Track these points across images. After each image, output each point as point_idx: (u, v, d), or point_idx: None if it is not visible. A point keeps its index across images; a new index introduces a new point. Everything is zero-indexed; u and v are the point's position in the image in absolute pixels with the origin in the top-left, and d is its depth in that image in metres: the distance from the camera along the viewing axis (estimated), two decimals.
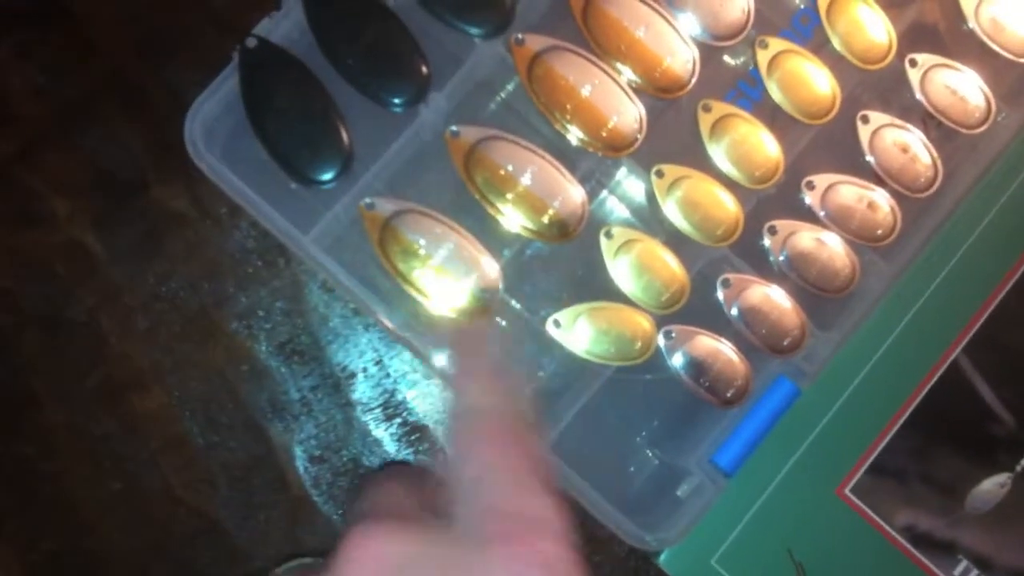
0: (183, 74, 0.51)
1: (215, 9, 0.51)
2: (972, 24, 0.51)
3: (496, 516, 0.28)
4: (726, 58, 0.50)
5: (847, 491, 0.53)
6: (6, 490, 0.52)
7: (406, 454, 0.52)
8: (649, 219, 0.50)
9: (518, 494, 0.28)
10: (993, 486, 0.54)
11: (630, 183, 0.50)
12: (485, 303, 0.47)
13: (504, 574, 0.26)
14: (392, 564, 0.27)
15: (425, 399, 0.51)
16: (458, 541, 0.28)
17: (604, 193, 0.50)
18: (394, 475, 0.34)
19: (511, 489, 0.28)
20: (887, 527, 0.53)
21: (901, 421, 0.53)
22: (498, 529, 0.27)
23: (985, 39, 0.51)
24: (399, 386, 0.51)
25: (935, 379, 0.54)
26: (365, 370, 0.51)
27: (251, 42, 0.45)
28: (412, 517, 0.30)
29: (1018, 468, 0.54)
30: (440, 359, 0.46)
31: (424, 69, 0.46)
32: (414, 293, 0.46)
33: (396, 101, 0.46)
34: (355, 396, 0.51)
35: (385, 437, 0.51)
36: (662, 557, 0.52)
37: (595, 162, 0.49)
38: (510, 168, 0.47)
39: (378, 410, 0.51)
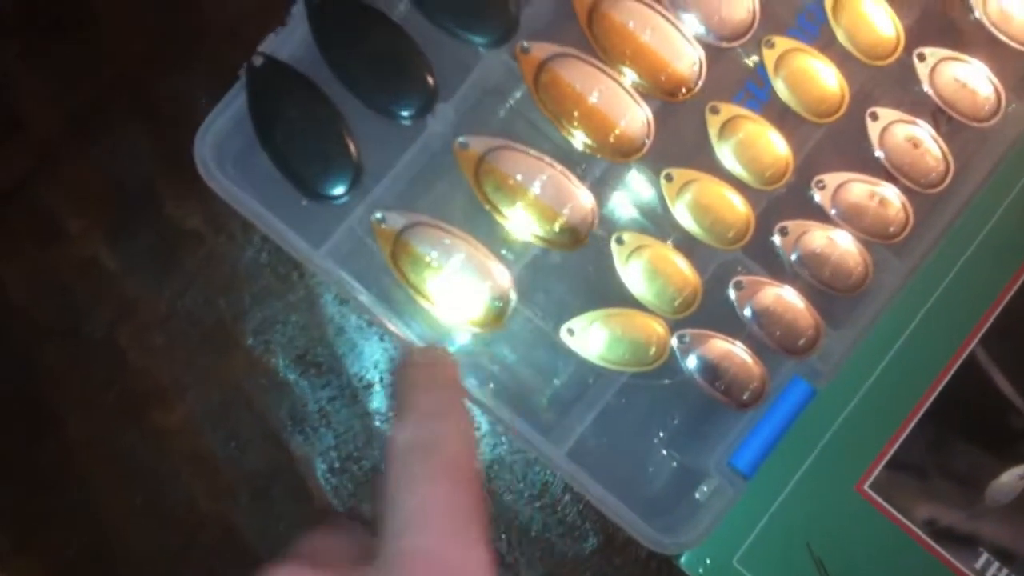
0: (194, 86, 0.51)
1: (224, 21, 0.52)
2: (979, 14, 0.51)
3: (425, 559, 0.27)
4: (733, 59, 0.50)
5: (866, 487, 0.53)
6: (31, 502, 0.53)
7: None
8: (660, 223, 0.50)
9: (453, 541, 0.27)
10: (1012, 478, 0.54)
11: (640, 187, 0.50)
12: (499, 312, 0.47)
13: None
14: None
15: None
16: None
17: (614, 198, 0.50)
18: (332, 524, 0.33)
19: (448, 533, 0.27)
20: (907, 521, 0.53)
21: (919, 415, 0.53)
22: (422, 573, 0.26)
23: (993, 30, 0.51)
24: None
25: (952, 372, 0.54)
26: (382, 380, 0.52)
27: (257, 60, 0.45)
28: (335, 562, 0.29)
29: None
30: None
31: (430, 80, 0.47)
32: (428, 305, 0.47)
33: (404, 113, 0.46)
34: (373, 406, 0.52)
35: None
36: (683, 559, 0.52)
37: (604, 167, 0.49)
38: (519, 177, 0.47)
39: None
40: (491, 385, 0.48)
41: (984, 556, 0.53)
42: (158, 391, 0.52)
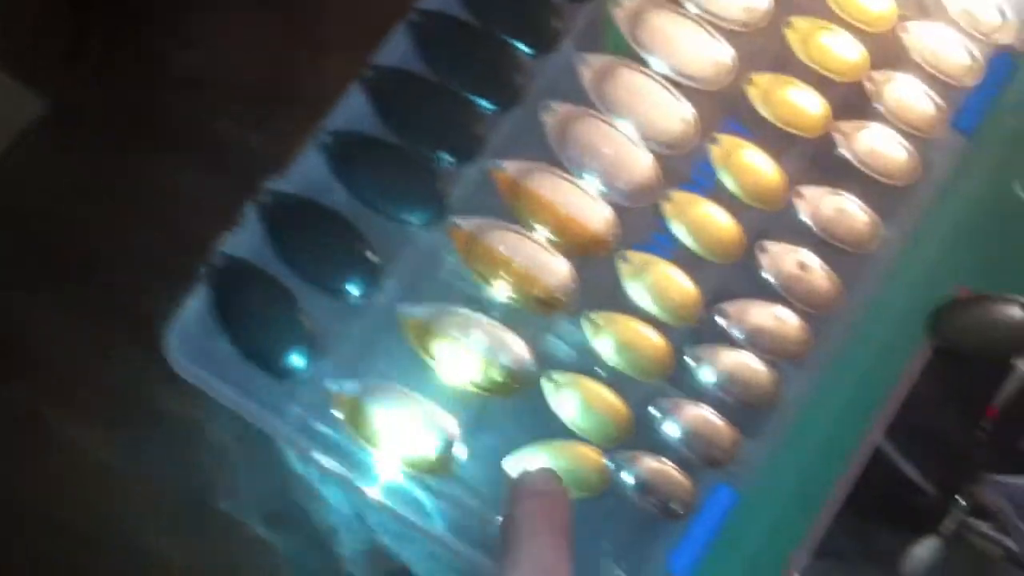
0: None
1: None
2: (849, 158, 0.58)
3: None
4: (639, 213, 0.57)
5: None
6: None
7: None
8: (588, 363, 0.56)
9: None
10: (925, 551, 0.60)
11: (567, 333, 0.56)
12: (447, 457, 0.53)
13: None
14: None
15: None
16: None
17: (546, 344, 0.56)
18: None
19: None
20: None
21: (836, 506, 0.59)
22: None
23: (862, 168, 0.58)
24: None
25: (862, 463, 0.60)
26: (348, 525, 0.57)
27: (216, 258, 0.51)
28: None
29: (944, 532, 0.60)
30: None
31: (373, 261, 0.53)
32: (386, 458, 0.52)
33: (353, 293, 0.52)
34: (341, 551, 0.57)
35: None
36: None
37: (535, 320, 0.55)
38: (458, 336, 0.53)
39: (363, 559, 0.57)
40: (441, 521, 0.54)
41: None
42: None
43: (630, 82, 0.56)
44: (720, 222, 0.57)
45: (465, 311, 0.54)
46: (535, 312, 0.55)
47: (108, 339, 0.58)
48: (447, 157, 0.53)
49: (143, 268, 0.58)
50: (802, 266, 0.57)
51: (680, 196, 0.56)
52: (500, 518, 0.52)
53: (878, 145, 0.58)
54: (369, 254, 0.53)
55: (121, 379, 0.57)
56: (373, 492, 0.52)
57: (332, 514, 0.57)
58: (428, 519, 0.53)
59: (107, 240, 0.60)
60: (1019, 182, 0.61)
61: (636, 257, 0.56)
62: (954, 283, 0.61)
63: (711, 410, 0.56)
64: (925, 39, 0.60)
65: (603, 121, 0.55)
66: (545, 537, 0.34)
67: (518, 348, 0.54)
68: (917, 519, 0.60)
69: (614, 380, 0.56)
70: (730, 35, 0.58)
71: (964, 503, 0.60)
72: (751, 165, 0.57)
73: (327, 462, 0.51)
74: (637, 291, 0.56)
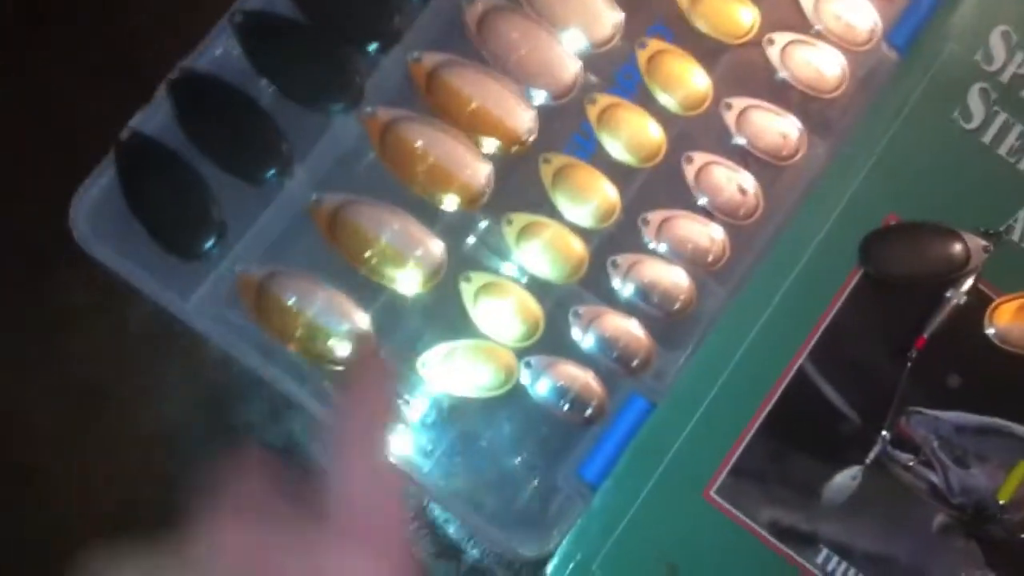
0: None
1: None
2: (782, 74, 0.58)
3: (358, 513, 0.33)
4: (560, 114, 0.56)
5: (712, 493, 0.58)
6: None
7: None
8: (504, 263, 0.55)
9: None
10: (845, 479, 0.59)
11: (485, 232, 0.56)
12: (359, 353, 0.53)
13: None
14: (256, 546, 0.32)
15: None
16: (320, 527, 0.32)
17: (463, 243, 0.55)
18: (250, 463, 0.36)
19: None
20: (752, 523, 0.58)
21: (756, 426, 0.59)
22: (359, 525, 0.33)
23: (793, 83, 0.57)
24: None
25: (784, 386, 0.59)
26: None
27: (125, 134, 0.50)
28: (269, 503, 0.34)
29: (866, 461, 0.59)
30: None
31: (284, 147, 0.52)
32: (291, 348, 0.52)
33: (262, 176, 0.52)
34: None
35: None
36: (549, 568, 0.57)
37: (454, 216, 0.55)
38: (370, 227, 0.53)
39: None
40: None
41: (824, 552, 0.58)
42: None
43: None
44: (642, 128, 0.56)
45: (378, 203, 0.53)
46: (452, 210, 0.54)
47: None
48: (365, 44, 0.52)
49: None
50: (727, 182, 0.57)
51: (604, 99, 0.56)
52: None
53: (810, 58, 0.58)
54: (279, 140, 0.52)
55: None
56: (285, 385, 0.52)
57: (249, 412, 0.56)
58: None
59: None
60: (956, 108, 0.60)
61: (557, 159, 0.55)
62: (886, 209, 0.60)
63: (628, 318, 0.56)
64: None
65: (527, 17, 0.55)
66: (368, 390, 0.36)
67: (433, 245, 0.54)
68: (839, 447, 0.60)
69: (531, 283, 0.55)
70: None
71: (887, 434, 0.59)
72: (677, 70, 0.56)
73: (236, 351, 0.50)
74: (558, 193, 0.55)
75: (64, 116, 0.56)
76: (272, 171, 0.51)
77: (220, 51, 0.52)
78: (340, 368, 0.52)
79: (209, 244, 0.51)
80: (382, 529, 0.34)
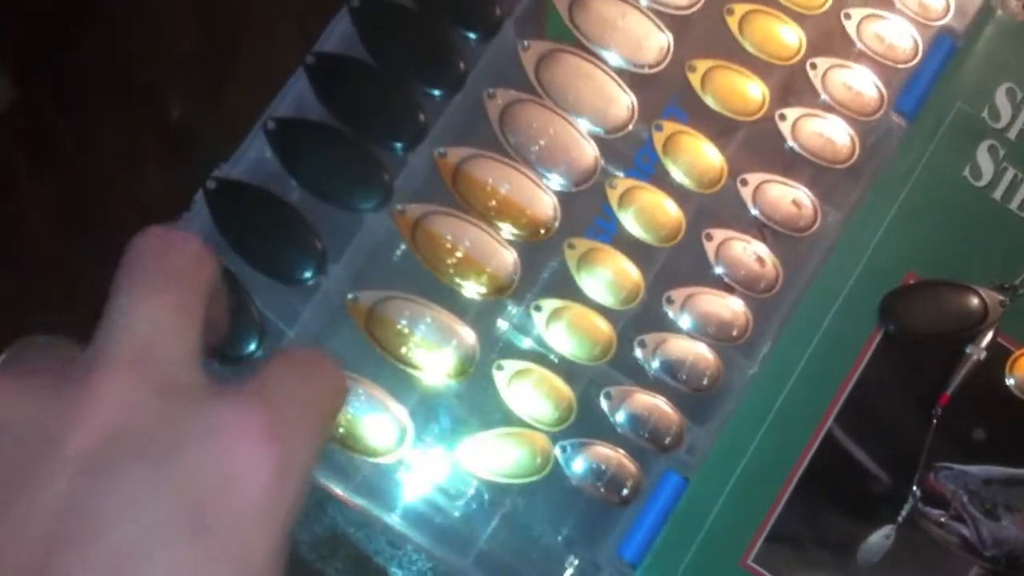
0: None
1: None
2: (791, 143, 0.59)
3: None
4: (582, 200, 0.58)
5: (750, 562, 0.59)
6: None
7: None
8: (534, 348, 0.57)
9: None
10: (879, 538, 0.60)
11: (515, 319, 0.57)
12: (400, 443, 0.54)
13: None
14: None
15: None
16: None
17: (494, 331, 0.57)
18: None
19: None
20: None
21: (789, 491, 0.60)
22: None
23: (804, 153, 0.59)
24: None
25: (813, 450, 0.60)
26: None
27: None
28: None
29: (899, 519, 0.60)
30: None
31: (319, 247, 0.53)
32: (335, 446, 0.53)
33: (300, 277, 0.53)
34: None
35: None
36: None
37: (483, 305, 0.56)
38: (404, 324, 0.54)
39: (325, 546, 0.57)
40: (399, 510, 0.54)
41: None
42: None
43: (571, 68, 0.57)
44: (663, 207, 0.57)
45: (412, 297, 0.55)
46: (482, 299, 0.56)
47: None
48: (392, 143, 0.54)
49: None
50: (746, 256, 0.58)
51: (623, 182, 0.57)
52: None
53: (820, 129, 0.59)
54: (315, 240, 0.54)
55: None
56: (327, 479, 0.53)
57: None
58: (383, 507, 0.54)
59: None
60: (966, 166, 0.62)
61: (581, 243, 0.57)
62: (904, 269, 0.61)
63: (657, 395, 0.57)
64: (865, 22, 0.61)
65: (545, 107, 0.56)
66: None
67: (466, 335, 0.55)
68: (870, 506, 0.60)
69: (561, 364, 0.56)
70: (671, 20, 0.59)
71: (917, 490, 0.60)
72: (693, 150, 0.58)
73: None
74: (583, 276, 0.57)
75: None
76: (309, 272, 0.53)
77: (254, 155, 0.53)
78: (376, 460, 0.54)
79: (252, 347, 0.52)
80: None
